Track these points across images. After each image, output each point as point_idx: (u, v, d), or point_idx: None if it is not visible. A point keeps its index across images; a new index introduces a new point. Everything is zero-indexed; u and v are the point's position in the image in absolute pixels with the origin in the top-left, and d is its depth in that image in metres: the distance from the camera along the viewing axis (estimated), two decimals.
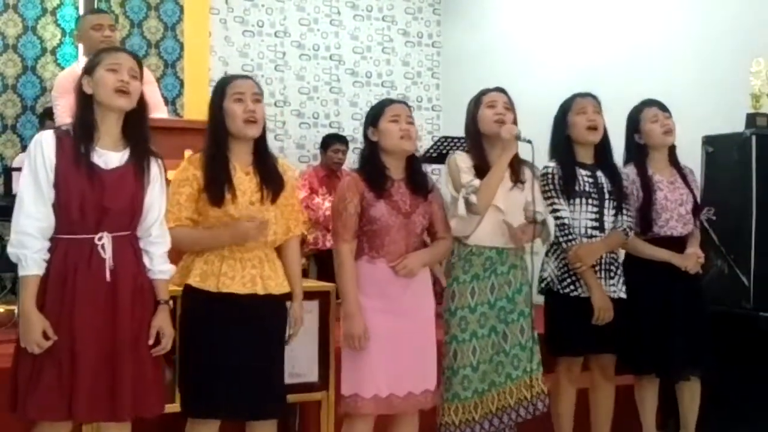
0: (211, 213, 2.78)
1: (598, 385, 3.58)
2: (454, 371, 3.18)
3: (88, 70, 2.57)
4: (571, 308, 3.40)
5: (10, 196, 4.28)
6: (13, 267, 2.53)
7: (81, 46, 4.52)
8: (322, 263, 5.32)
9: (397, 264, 3.00)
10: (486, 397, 3.19)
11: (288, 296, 2.91)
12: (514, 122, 3.23)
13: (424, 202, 3.08)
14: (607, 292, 3.41)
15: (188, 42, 6.23)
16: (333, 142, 5.92)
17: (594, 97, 3.52)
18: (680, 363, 3.55)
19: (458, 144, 5.06)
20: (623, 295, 3.47)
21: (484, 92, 3.30)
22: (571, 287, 3.41)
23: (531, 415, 3.25)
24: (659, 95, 3.75)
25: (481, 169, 3.18)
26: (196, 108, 5.36)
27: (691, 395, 3.70)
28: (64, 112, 3.99)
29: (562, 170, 3.43)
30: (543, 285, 3.49)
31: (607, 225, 3.46)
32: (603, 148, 3.52)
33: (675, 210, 3.59)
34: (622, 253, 3.63)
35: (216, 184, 2.77)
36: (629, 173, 3.61)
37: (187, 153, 3.09)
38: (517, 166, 3.25)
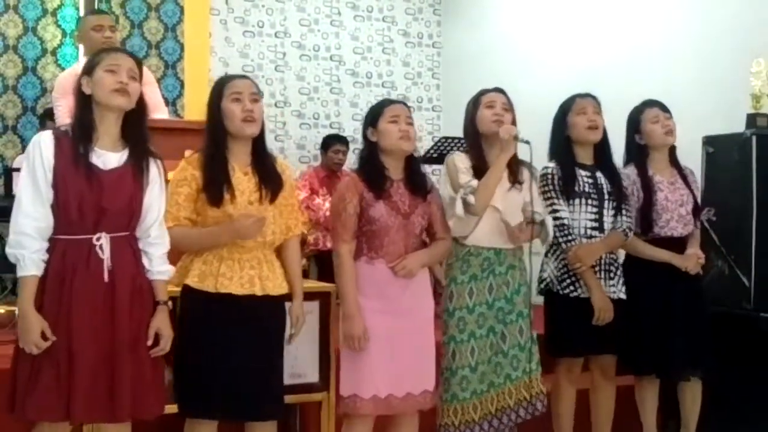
0: (210, 213, 2.78)
1: (598, 385, 3.58)
2: (452, 372, 3.18)
3: (88, 71, 2.57)
4: (570, 309, 3.40)
5: (10, 197, 4.28)
6: (13, 268, 2.52)
7: (81, 47, 4.53)
8: (322, 264, 5.32)
9: (396, 264, 3.00)
10: (485, 398, 3.19)
11: (286, 297, 2.91)
12: (513, 123, 3.23)
13: (423, 203, 3.08)
14: (606, 292, 3.41)
15: (188, 43, 6.23)
16: (333, 142, 5.92)
17: (594, 98, 3.52)
18: (680, 364, 3.55)
19: (458, 144, 5.06)
20: (623, 296, 3.47)
21: (482, 92, 3.30)
22: (571, 288, 3.41)
23: (530, 416, 3.25)
24: (659, 96, 3.75)
25: (480, 170, 3.18)
26: (196, 109, 5.35)
27: (692, 396, 3.70)
28: (65, 113, 4.00)
29: (562, 171, 3.43)
30: (543, 285, 3.49)
31: (607, 225, 3.46)
32: (602, 148, 3.52)
33: (675, 211, 3.59)
34: (621, 254, 3.63)
35: (215, 184, 2.77)
36: (630, 174, 3.60)
37: (188, 153, 3.09)
38: (515, 166, 3.25)
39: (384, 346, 2.97)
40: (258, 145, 2.89)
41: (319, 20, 6.84)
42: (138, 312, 2.55)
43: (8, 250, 2.47)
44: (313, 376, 3.40)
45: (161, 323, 2.59)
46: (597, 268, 3.42)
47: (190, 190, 2.80)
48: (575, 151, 3.50)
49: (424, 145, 6.70)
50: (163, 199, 2.66)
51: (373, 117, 3.07)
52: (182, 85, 6.18)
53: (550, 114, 3.57)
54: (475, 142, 3.26)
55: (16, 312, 2.49)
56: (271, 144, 6.50)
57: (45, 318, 2.43)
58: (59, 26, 5.90)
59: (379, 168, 3.04)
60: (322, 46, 6.86)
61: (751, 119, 4.16)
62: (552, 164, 3.47)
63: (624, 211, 3.50)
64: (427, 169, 5.10)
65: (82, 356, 2.44)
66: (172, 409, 2.80)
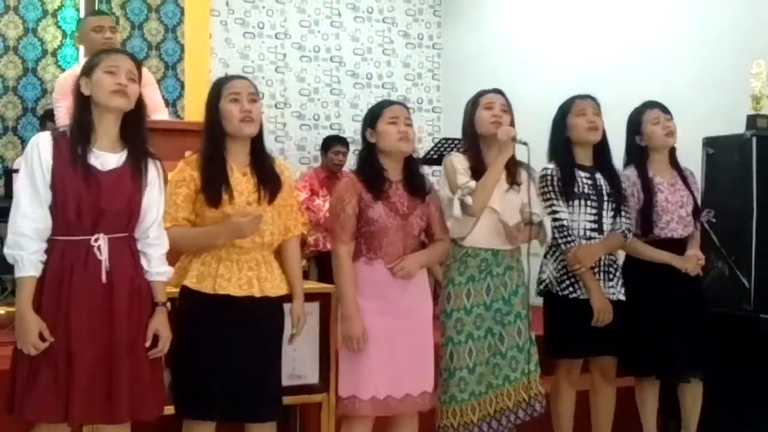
0: (208, 214, 2.78)
1: (598, 387, 3.58)
2: (450, 373, 3.17)
3: (86, 72, 2.57)
4: (570, 310, 3.40)
5: (11, 198, 4.27)
6: (13, 269, 2.51)
7: (82, 48, 4.53)
8: (322, 265, 5.32)
9: (395, 266, 3.00)
10: (483, 400, 3.19)
11: (285, 298, 2.91)
12: (511, 124, 3.23)
13: (421, 204, 3.08)
14: (606, 294, 3.41)
15: (189, 44, 6.24)
16: (333, 143, 5.92)
17: (593, 99, 3.52)
18: (680, 365, 3.55)
19: (459, 146, 5.05)
20: (622, 297, 3.47)
21: (481, 93, 3.29)
22: (570, 289, 3.40)
23: (529, 417, 3.24)
24: (659, 97, 3.75)
25: (478, 171, 3.18)
26: (196, 110, 5.35)
27: (693, 397, 3.69)
28: (65, 114, 3.99)
29: (561, 172, 3.43)
30: (542, 287, 3.48)
31: (606, 227, 3.46)
32: (602, 150, 3.52)
33: (675, 212, 3.59)
34: (620, 256, 3.63)
35: (213, 184, 2.77)
36: (630, 175, 3.60)
37: (188, 155, 3.09)
38: (513, 167, 3.25)
39: (383, 347, 2.97)
40: (257, 145, 2.88)
41: (319, 21, 6.85)
42: (136, 313, 2.55)
43: (6, 251, 2.47)
44: (313, 378, 3.40)
45: (160, 324, 2.59)
46: (596, 270, 3.42)
47: (189, 191, 2.79)
48: (575, 152, 3.50)
49: (424, 147, 6.70)
50: (162, 200, 2.66)
51: (372, 118, 3.07)
52: (182, 86, 6.20)
53: (551, 115, 3.57)
54: (473, 143, 3.26)
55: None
56: (272, 145, 6.55)
57: (43, 319, 2.43)
58: (59, 27, 5.90)
59: (378, 169, 3.04)
60: (322, 47, 6.86)
61: (751, 120, 4.16)
62: (551, 165, 3.47)
63: (623, 213, 3.50)
64: (427, 170, 5.11)
65: (80, 357, 2.44)
66: (171, 410, 2.80)
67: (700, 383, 3.68)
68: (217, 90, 2.85)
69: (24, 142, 5.72)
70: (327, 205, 5.42)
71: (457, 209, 3.13)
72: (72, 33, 5.78)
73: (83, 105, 2.56)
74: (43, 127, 5.33)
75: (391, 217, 3.00)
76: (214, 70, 6.20)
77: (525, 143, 3.18)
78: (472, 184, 3.14)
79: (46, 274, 2.46)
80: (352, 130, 6.61)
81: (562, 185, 3.42)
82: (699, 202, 3.72)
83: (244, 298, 2.78)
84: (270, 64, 6.67)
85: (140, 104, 2.62)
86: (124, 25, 6.03)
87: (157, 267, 2.62)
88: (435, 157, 5.51)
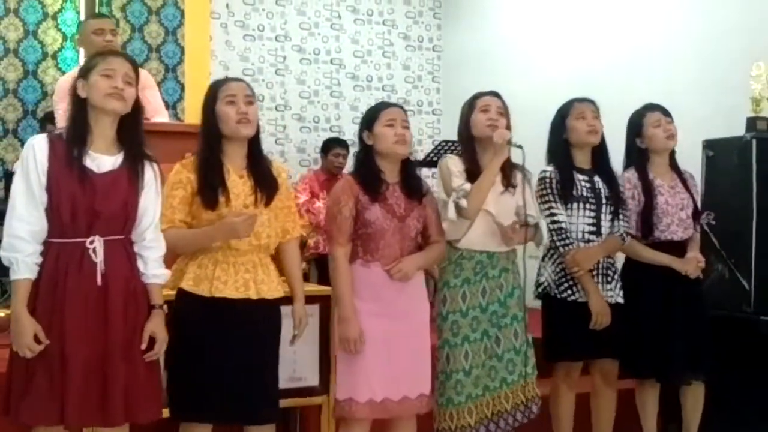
0: (205, 216, 2.77)
1: (599, 390, 3.57)
2: (447, 376, 3.17)
3: (83, 74, 2.57)
4: (568, 313, 3.39)
5: None
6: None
7: (82, 51, 4.53)
8: (323, 267, 5.31)
9: (392, 268, 3.00)
10: (480, 402, 3.18)
11: (281, 301, 2.90)
12: (507, 127, 3.22)
13: (418, 206, 3.08)
14: (604, 296, 3.41)
15: (189, 46, 6.25)
16: (334, 146, 5.93)
17: (592, 102, 3.52)
18: (680, 367, 3.55)
19: (459, 148, 5.06)
20: (620, 300, 3.46)
21: (478, 95, 3.29)
22: (569, 292, 3.40)
23: (527, 419, 3.25)
24: (659, 99, 3.75)
25: (473, 173, 3.18)
26: (196, 112, 5.36)
27: (694, 400, 3.69)
28: (65, 117, 3.99)
29: (560, 175, 3.43)
30: (540, 289, 3.48)
31: (604, 230, 3.46)
32: (600, 153, 3.52)
33: (676, 214, 3.59)
34: (619, 258, 3.63)
35: (209, 187, 2.76)
36: (630, 177, 3.61)
37: (188, 157, 3.09)
38: (508, 170, 3.25)
39: (380, 349, 2.97)
40: (253, 147, 2.88)
41: (319, 24, 6.85)
42: (132, 315, 2.54)
43: (1, 254, 2.47)
44: (313, 380, 3.40)
45: (156, 327, 2.58)
46: (594, 272, 3.42)
47: (185, 193, 2.79)
48: (573, 155, 3.50)
49: (424, 149, 6.71)
50: (158, 203, 2.65)
51: (369, 120, 3.07)
52: (182, 89, 6.20)
53: (551, 117, 3.57)
54: (469, 145, 3.26)
55: None
56: (272, 147, 6.56)
57: (38, 321, 2.43)
58: (60, 30, 5.91)
59: (375, 171, 3.04)
60: (322, 50, 6.86)
61: (751, 122, 4.16)
62: (550, 168, 3.47)
63: (621, 216, 3.50)
64: (426, 172, 5.10)
65: (75, 360, 2.44)
66: (168, 413, 2.79)
67: (702, 385, 3.67)
68: (213, 92, 2.85)
69: (24, 145, 5.72)
70: None
71: (452, 212, 3.13)
72: (72, 36, 5.79)
73: (79, 107, 2.55)
74: (43, 130, 5.33)
75: (388, 219, 3.00)
76: (214, 73, 6.20)
77: (520, 146, 3.18)
78: (467, 186, 3.14)
79: (41, 277, 2.46)
80: (352, 133, 6.60)
81: (561, 188, 3.42)
82: (699, 204, 3.72)
83: (241, 301, 2.77)
84: (270, 67, 6.67)
85: (137, 107, 2.62)
86: (125, 27, 6.03)
87: (153, 269, 2.62)
88: (435, 160, 5.50)
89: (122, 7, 6.07)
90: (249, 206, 2.80)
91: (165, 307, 2.66)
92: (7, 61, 5.78)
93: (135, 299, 2.56)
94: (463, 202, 3.11)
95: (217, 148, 2.82)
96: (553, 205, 3.41)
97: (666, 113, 3.63)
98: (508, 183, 3.25)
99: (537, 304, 3.54)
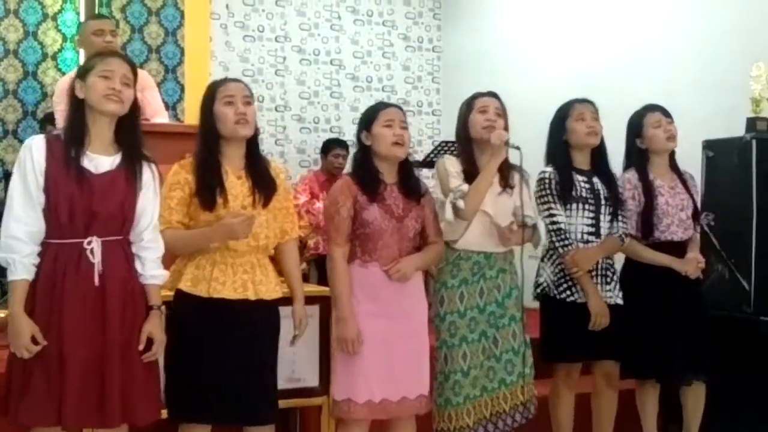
0: (203, 217, 2.77)
1: (600, 391, 3.56)
2: (445, 376, 3.16)
3: (81, 75, 2.57)
4: (567, 313, 3.39)
5: None
6: None
7: (82, 52, 4.53)
8: (322, 268, 5.31)
9: (391, 268, 2.99)
10: (478, 403, 3.17)
11: (280, 301, 2.90)
12: (506, 128, 3.22)
13: (416, 206, 3.08)
14: (603, 297, 3.41)
15: (189, 47, 6.25)
16: (333, 146, 5.93)
17: (591, 103, 3.52)
18: (681, 368, 3.54)
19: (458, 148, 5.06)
20: (620, 301, 3.46)
21: (476, 96, 3.29)
22: (568, 292, 3.40)
23: (525, 420, 3.24)
24: (659, 99, 3.75)
25: (471, 174, 3.17)
26: (196, 113, 5.38)
27: (695, 400, 3.69)
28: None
29: (560, 175, 3.43)
30: (539, 290, 3.48)
31: (603, 231, 3.46)
32: (599, 154, 3.52)
33: (676, 215, 3.59)
34: (618, 260, 3.63)
35: (207, 188, 2.76)
36: (630, 178, 3.61)
37: (188, 157, 3.09)
38: (506, 170, 3.24)
39: (379, 349, 2.97)
40: (252, 148, 2.88)
41: (319, 24, 6.85)
42: (130, 316, 2.54)
43: None
44: (312, 381, 3.40)
45: (154, 328, 2.58)
46: (594, 273, 3.42)
47: (183, 194, 2.79)
48: (572, 156, 3.50)
49: (424, 149, 6.71)
50: (157, 203, 2.65)
51: (367, 120, 3.07)
52: (182, 90, 6.20)
53: (550, 118, 3.57)
54: (467, 146, 3.26)
55: None
56: (271, 148, 6.57)
57: (36, 322, 2.43)
58: (60, 31, 5.91)
59: (373, 171, 3.04)
60: (322, 51, 6.86)
61: (751, 123, 4.15)
62: (549, 169, 3.47)
63: (620, 217, 3.50)
64: (426, 173, 5.10)
65: (73, 360, 2.43)
66: (166, 413, 2.79)
67: (703, 385, 3.67)
68: (211, 93, 2.84)
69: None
70: None
71: (449, 212, 3.12)
72: (72, 36, 5.79)
73: (77, 108, 2.55)
74: (43, 131, 5.33)
75: (387, 219, 3.00)
76: (214, 74, 6.20)
77: (518, 147, 3.18)
78: (465, 187, 3.13)
79: (38, 277, 2.46)
80: (351, 133, 6.55)
81: (560, 189, 3.42)
82: (699, 205, 3.72)
83: (239, 302, 2.77)
84: (270, 67, 6.67)
85: (135, 108, 2.62)
86: (125, 28, 6.03)
87: (151, 270, 2.61)
88: (434, 160, 5.47)
89: (122, 7, 6.07)
90: (247, 207, 2.79)
91: (163, 307, 2.66)
92: (7, 62, 5.78)
93: (133, 300, 2.56)
94: (461, 203, 3.11)
95: (215, 149, 2.82)
96: (553, 205, 3.41)
97: (666, 114, 3.63)
98: (506, 184, 3.24)
99: (534, 304, 3.54)
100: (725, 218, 4.00)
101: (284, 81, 6.72)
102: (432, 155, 5.65)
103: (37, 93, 5.86)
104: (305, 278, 4.72)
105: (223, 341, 2.75)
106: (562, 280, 3.41)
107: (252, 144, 2.88)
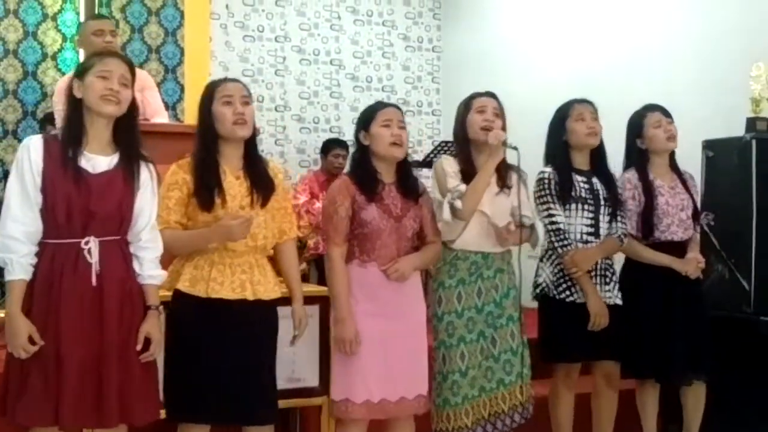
0: (201, 218, 2.77)
1: (600, 391, 3.56)
2: (443, 377, 3.16)
3: (79, 74, 2.56)
4: (566, 314, 3.39)
5: None
6: None
7: (82, 52, 4.53)
8: (322, 268, 5.31)
9: (389, 268, 2.99)
10: (477, 403, 3.17)
11: (278, 301, 2.90)
12: (503, 128, 3.22)
13: (415, 206, 3.08)
14: (602, 298, 3.40)
15: (189, 47, 6.24)
16: (333, 146, 5.92)
17: (591, 103, 3.52)
18: (681, 368, 3.54)
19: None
20: (619, 302, 3.46)
21: (474, 96, 3.28)
22: (567, 293, 3.40)
23: (524, 420, 3.24)
24: (658, 99, 3.75)
25: (468, 174, 3.17)
26: (196, 113, 5.39)
27: (695, 400, 3.69)
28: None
29: (559, 176, 3.43)
30: (538, 290, 3.48)
31: (603, 231, 3.46)
32: (599, 154, 3.52)
33: (676, 215, 3.59)
34: (617, 260, 3.62)
35: (206, 188, 2.76)
36: (631, 178, 3.60)
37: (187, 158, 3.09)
38: (504, 171, 3.24)
39: (377, 349, 2.96)
40: (250, 148, 2.88)
41: (319, 24, 6.85)
42: (128, 316, 2.54)
43: None
44: (312, 381, 3.40)
45: (151, 328, 2.57)
46: (593, 274, 3.42)
47: (181, 194, 2.79)
48: (572, 156, 3.50)
49: (423, 149, 6.71)
50: (154, 203, 2.64)
51: (365, 120, 3.07)
52: (182, 90, 6.19)
53: (550, 118, 3.57)
54: (464, 146, 3.26)
55: None
56: (271, 148, 6.57)
57: (33, 322, 2.42)
58: (60, 31, 5.90)
59: (371, 171, 3.04)
60: (322, 51, 6.86)
61: (751, 123, 4.15)
62: (548, 169, 3.47)
63: (619, 217, 3.49)
64: (427, 173, 5.10)
65: (70, 360, 2.43)
66: (165, 413, 2.79)
67: (703, 385, 3.67)
68: (209, 93, 2.84)
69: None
70: None
71: (446, 213, 3.12)
72: (72, 36, 5.78)
73: (75, 107, 2.55)
74: (43, 131, 5.32)
75: (385, 219, 3.00)
76: (214, 74, 6.19)
77: (515, 148, 3.18)
78: (462, 187, 3.13)
79: (36, 277, 2.46)
80: (351, 134, 6.58)
81: (560, 189, 3.42)
82: (699, 205, 3.72)
83: (237, 302, 2.77)
84: (270, 67, 6.67)
85: (133, 108, 2.61)
86: (124, 28, 6.02)
87: (149, 270, 2.61)
88: (434, 161, 5.50)
89: (122, 8, 6.07)
90: (245, 207, 2.79)
91: (161, 308, 2.66)
92: (6, 62, 5.77)
93: (131, 300, 2.55)
94: (458, 203, 3.10)
95: (214, 149, 2.82)
96: (552, 206, 3.41)
97: (666, 114, 3.63)
98: (504, 184, 3.24)
99: (532, 304, 3.54)
100: (725, 218, 4.00)
101: (284, 81, 6.72)
102: (432, 155, 5.65)
103: (36, 93, 5.85)
104: (305, 278, 4.72)
105: (222, 341, 2.75)
106: (562, 281, 3.41)
107: (250, 144, 2.88)
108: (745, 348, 3.87)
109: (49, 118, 5.05)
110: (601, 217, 3.46)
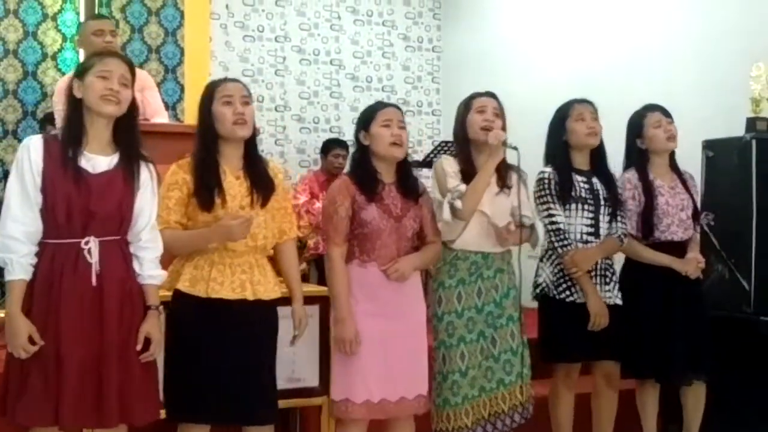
0: (201, 218, 2.77)
1: (600, 391, 3.56)
2: (443, 377, 3.16)
3: (79, 74, 2.56)
4: (566, 314, 3.39)
5: None
6: None
7: (82, 52, 4.53)
8: (322, 268, 5.30)
9: (389, 268, 2.99)
10: (477, 403, 3.17)
11: (278, 301, 2.90)
12: (503, 128, 3.22)
13: (415, 206, 3.08)
14: (602, 298, 3.40)
15: (189, 47, 6.24)
16: (333, 146, 5.92)
17: (591, 103, 3.52)
18: (680, 368, 3.54)
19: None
20: (619, 302, 3.46)
21: (474, 96, 3.28)
22: (567, 293, 3.40)
23: (525, 420, 3.24)
24: (658, 99, 3.75)
25: (468, 174, 3.17)
26: (196, 113, 5.39)
27: (695, 400, 3.69)
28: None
29: (559, 176, 3.43)
30: (538, 290, 3.48)
31: (603, 231, 3.46)
32: (598, 154, 3.52)
33: (676, 215, 3.59)
34: (617, 260, 3.63)
35: (206, 188, 2.76)
36: (631, 178, 3.60)
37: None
38: (503, 171, 3.24)
39: (377, 349, 2.96)
40: (250, 148, 2.88)
41: (319, 24, 6.85)
42: (128, 316, 2.53)
43: None
44: (312, 380, 3.40)
45: (151, 328, 2.57)
46: (593, 274, 3.42)
47: (181, 194, 2.79)
48: (572, 156, 3.50)
49: (423, 149, 6.71)
50: (154, 203, 2.64)
51: (365, 120, 3.07)
52: (182, 90, 6.19)
53: (550, 118, 3.57)
54: (464, 146, 3.26)
55: None
56: (271, 148, 6.57)
57: (33, 322, 2.42)
58: (60, 31, 5.90)
59: (371, 171, 3.04)
60: (322, 51, 6.86)
61: (751, 123, 4.15)
62: (548, 169, 3.47)
63: (619, 217, 3.49)
64: (427, 173, 5.10)
65: (70, 360, 2.43)
66: (165, 413, 2.79)
67: (703, 385, 3.67)
68: (209, 93, 2.84)
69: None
70: None
71: (446, 213, 3.12)
72: (72, 36, 5.78)
73: (75, 107, 2.55)
74: (43, 131, 5.32)
75: (385, 219, 3.00)
76: (214, 74, 6.19)
77: (515, 148, 3.18)
78: (462, 187, 3.13)
79: (36, 277, 2.46)
80: (351, 133, 6.58)
81: (560, 189, 3.42)
82: (699, 205, 3.72)
83: (237, 302, 2.77)
84: (270, 67, 6.67)
85: (133, 108, 2.61)
86: (124, 28, 6.02)
87: (149, 270, 2.61)
88: (435, 161, 5.50)
89: (122, 8, 6.07)
90: (245, 207, 2.79)
91: (161, 308, 2.66)
92: (6, 62, 5.77)
93: (131, 300, 2.55)
94: (458, 203, 3.10)
95: (214, 149, 2.82)
96: (552, 206, 3.41)
97: (666, 114, 3.63)
98: (503, 184, 3.24)
99: (532, 304, 3.54)
100: (725, 218, 4.00)
101: (284, 81, 6.72)
102: (432, 155, 5.65)
103: (36, 93, 5.85)
104: (305, 278, 4.72)
105: (222, 341, 2.75)
106: (562, 281, 3.41)
107: (250, 144, 2.88)
108: (745, 348, 3.87)
109: (49, 118, 5.05)
110: (601, 217, 3.46)
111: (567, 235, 3.40)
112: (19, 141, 5.69)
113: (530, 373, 3.26)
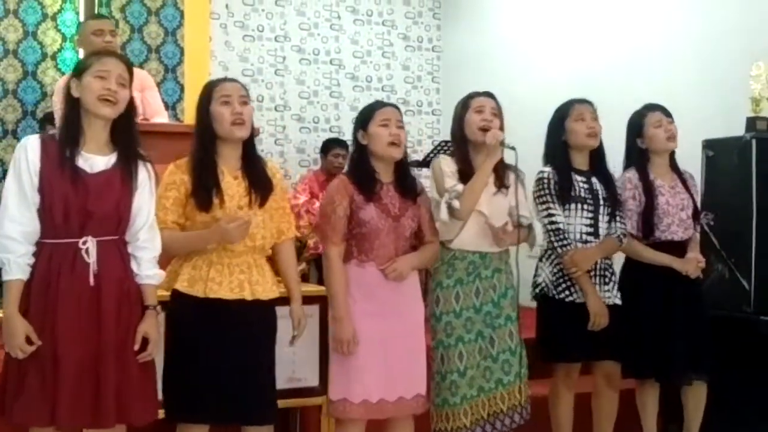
0: (199, 218, 2.77)
1: (601, 391, 3.56)
2: (442, 377, 3.16)
3: (77, 74, 2.56)
4: (566, 314, 3.39)
5: None
6: None
7: (82, 51, 4.52)
8: (322, 268, 5.31)
9: (387, 267, 2.99)
10: (475, 403, 3.16)
11: (277, 301, 2.90)
12: (501, 128, 3.21)
13: (413, 206, 3.08)
14: (602, 298, 3.40)
15: (188, 47, 6.23)
16: (333, 146, 5.92)
17: (590, 103, 3.51)
18: (681, 368, 3.54)
19: None
20: (618, 302, 3.46)
21: (472, 95, 3.28)
22: (566, 293, 3.40)
23: (524, 420, 3.24)
24: (658, 99, 3.75)
25: (466, 174, 3.17)
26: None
27: (695, 400, 3.68)
28: None
29: (558, 176, 3.43)
30: (538, 290, 3.48)
31: (602, 231, 3.46)
32: (598, 154, 3.52)
33: (676, 215, 3.59)
34: (617, 260, 3.62)
35: (204, 188, 2.75)
36: (631, 177, 3.60)
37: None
38: (501, 170, 3.24)
39: (376, 349, 2.96)
40: (248, 148, 2.87)
41: (318, 24, 6.84)
42: (125, 316, 2.53)
43: None
44: (312, 380, 3.40)
45: (149, 328, 2.57)
46: (592, 274, 3.42)
47: (179, 195, 2.78)
48: (571, 156, 3.49)
49: (423, 149, 6.71)
50: (152, 203, 2.64)
51: (363, 120, 3.07)
52: (182, 89, 6.18)
53: (550, 118, 3.56)
54: (462, 145, 3.25)
55: None
56: (271, 148, 6.57)
57: (30, 322, 2.42)
58: (59, 31, 5.90)
59: (370, 171, 3.04)
60: (321, 50, 6.86)
61: (751, 122, 4.15)
62: (548, 169, 3.47)
63: (618, 217, 3.49)
64: (427, 173, 5.09)
65: (67, 360, 2.43)
66: (164, 413, 2.79)
67: (704, 385, 3.67)
68: (208, 92, 2.84)
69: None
70: None
71: (444, 213, 3.12)
72: (72, 36, 5.78)
73: (72, 107, 2.54)
74: (42, 131, 5.32)
75: (383, 218, 2.99)
76: (213, 73, 6.19)
77: (513, 148, 3.17)
78: (460, 187, 3.13)
79: (33, 277, 2.46)
80: (351, 133, 6.60)
81: (559, 189, 3.41)
82: (699, 204, 3.72)
83: (236, 302, 2.76)
84: (269, 67, 6.66)
85: (131, 107, 2.61)
86: (124, 28, 6.02)
87: (147, 270, 2.60)
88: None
89: (122, 7, 6.06)
90: (243, 207, 2.79)
91: (159, 308, 2.65)
92: (6, 61, 5.77)
93: (128, 300, 2.55)
94: (456, 203, 3.10)
95: (212, 149, 2.81)
96: (551, 206, 3.41)
97: (667, 113, 3.63)
98: (501, 184, 3.24)
99: (530, 304, 3.53)
100: (725, 218, 3.99)
101: (284, 81, 6.71)
102: (431, 155, 5.65)
103: (36, 93, 5.84)
104: (305, 278, 4.72)
105: (220, 341, 2.75)
106: (561, 280, 3.41)
107: (248, 144, 2.87)
108: (745, 348, 3.86)
109: (48, 118, 5.05)
110: (600, 217, 3.45)
111: (566, 235, 3.40)
112: (19, 141, 5.69)
113: (528, 373, 3.26)
